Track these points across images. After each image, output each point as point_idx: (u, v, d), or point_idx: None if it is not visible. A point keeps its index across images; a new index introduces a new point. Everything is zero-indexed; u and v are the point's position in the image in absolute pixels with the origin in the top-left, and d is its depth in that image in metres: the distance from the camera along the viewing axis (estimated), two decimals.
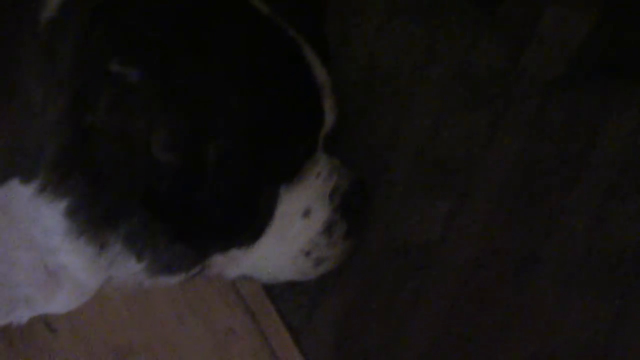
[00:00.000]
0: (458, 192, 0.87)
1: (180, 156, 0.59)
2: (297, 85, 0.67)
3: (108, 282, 0.68)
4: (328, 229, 0.73)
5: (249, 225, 0.68)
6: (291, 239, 0.71)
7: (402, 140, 0.88)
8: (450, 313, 0.85)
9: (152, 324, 0.86)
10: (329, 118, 0.71)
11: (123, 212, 0.61)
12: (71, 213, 0.60)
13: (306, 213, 0.71)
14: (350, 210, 0.74)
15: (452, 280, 0.86)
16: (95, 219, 0.61)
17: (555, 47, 0.87)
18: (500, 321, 0.85)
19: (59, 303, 0.67)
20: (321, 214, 0.72)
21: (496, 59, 0.88)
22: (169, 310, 0.86)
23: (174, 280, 0.69)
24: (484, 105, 0.88)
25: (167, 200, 0.61)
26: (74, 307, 0.70)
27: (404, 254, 0.86)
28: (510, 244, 0.86)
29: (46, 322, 0.84)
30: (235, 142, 0.61)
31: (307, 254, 0.73)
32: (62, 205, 0.60)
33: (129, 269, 0.65)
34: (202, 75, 0.60)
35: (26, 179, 0.59)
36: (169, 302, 0.86)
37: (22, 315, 0.68)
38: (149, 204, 0.61)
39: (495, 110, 0.87)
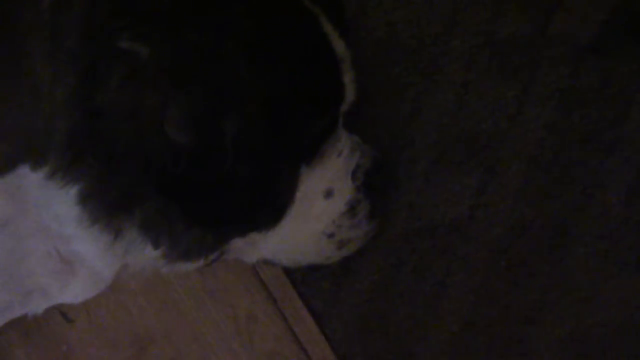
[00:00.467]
0: (485, 167, 0.85)
1: (194, 135, 0.57)
2: (315, 57, 0.65)
3: (124, 270, 0.68)
4: (351, 209, 0.72)
5: (269, 207, 0.67)
6: (313, 220, 0.71)
7: (424, 115, 0.86)
8: (480, 294, 0.83)
9: (171, 312, 0.85)
10: (349, 93, 0.70)
11: (138, 196, 0.60)
12: (84, 199, 0.60)
13: (328, 193, 0.71)
14: (373, 189, 0.73)
15: (481, 260, 0.84)
16: (109, 204, 0.60)
17: (585, 11, 0.85)
18: (533, 300, 0.83)
19: (74, 292, 0.67)
20: (344, 193, 0.71)
21: (521, 26, 0.86)
22: (187, 297, 0.85)
23: (192, 266, 0.68)
24: (511, 75, 0.85)
25: (183, 183, 0.59)
26: (90, 296, 0.70)
27: (430, 234, 0.84)
28: (541, 219, 0.84)
29: (62, 312, 0.83)
30: (252, 118, 0.60)
31: (330, 235, 0.72)
32: (73, 190, 0.59)
33: (145, 256, 0.65)
34: (213, 48, 0.58)
35: (36, 164, 0.58)
36: (187, 289, 0.85)
37: (37, 306, 0.68)
38: (164, 188, 0.60)
39: (522, 80, 0.85)
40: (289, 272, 0.84)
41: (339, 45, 0.68)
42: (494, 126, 0.85)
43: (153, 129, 0.57)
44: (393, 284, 0.84)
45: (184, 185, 0.59)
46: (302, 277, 0.84)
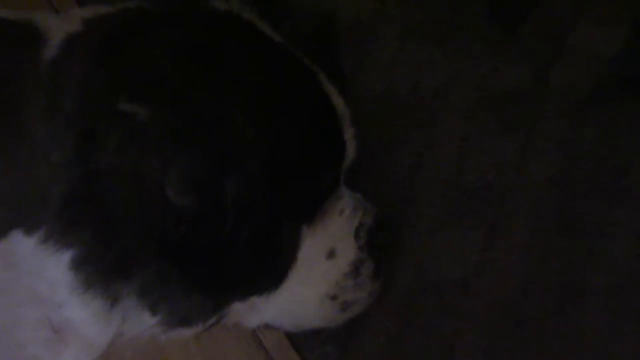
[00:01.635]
0: (490, 222, 0.85)
1: (196, 196, 0.57)
2: (317, 115, 0.66)
3: (119, 337, 0.66)
4: (355, 269, 0.71)
5: (270, 269, 0.67)
6: (316, 282, 0.70)
7: (426, 170, 0.87)
8: (489, 354, 0.82)
9: None
10: (350, 150, 0.70)
11: (137, 261, 0.59)
12: (78, 264, 0.59)
13: (331, 253, 0.70)
14: (377, 247, 0.73)
15: (489, 318, 0.83)
16: (105, 270, 0.59)
17: (584, 64, 0.86)
18: (547, 358, 0.82)
19: None
20: (347, 253, 0.71)
21: (520, 79, 0.87)
22: None
23: (190, 332, 0.67)
24: (512, 128, 0.86)
25: (184, 247, 0.59)
26: None
27: (436, 292, 0.84)
28: (548, 275, 0.84)
29: None
30: (253, 177, 0.60)
31: (334, 297, 0.71)
32: (67, 255, 0.58)
33: (142, 324, 0.64)
34: (214, 108, 0.58)
35: (30, 228, 0.57)
36: (184, 356, 0.84)
37: None
38: (165, 252, 0.59)
39: (523, 133, 0.86)
40: (291, 336, 0.83)
41: (339, 103, 0.69)
42: (497, 179, 0.85)
43: (154, 192, 0.56)
44: (400, 345, 0.83)
45: (184, 249, 0.59)
46: (305, 341, 0.83)
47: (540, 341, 0.82)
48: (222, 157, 0.58)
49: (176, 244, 0.58)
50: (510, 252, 0.84)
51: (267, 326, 0.74)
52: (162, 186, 0.56)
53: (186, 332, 0.67)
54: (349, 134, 0.69)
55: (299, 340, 0.83)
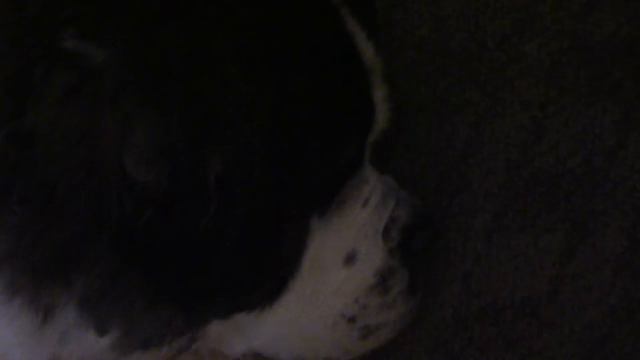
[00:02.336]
0: (573, 223, 0.85)
1: (166, 170, 0.57)
2: (335, 65, 0.66)
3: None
4: (382, 281, 0.72)
5: (265, 276, 0.67)
6: (327, 297, 0.71)
7: (486, 148, 0.86)
8: None
9: None
10: (380, 116, 0.71)
11: (79, 259, 0.60)
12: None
13: (350, 258, 0.71)
14: (414, 253, 0.73)
15: (568, 356, 0.83)
16: (35, 270, 0.60)
17: None
18: None
19: None
20: (372, 259, 0.72)
21: (621, 25, 0.87)
22: None
23: (150, 357, 0.68)
24: (608, 93, 0.86)
25: (147, 240, 0.59)
26: None
27: (493, 318, 0.84)
28: None
29: None
30: (246, 150, 0.60)
31: (351, 319, 0.72)
32: None
33: (86, 346, 0.65)
34: (194, 50, 0.58)
35: None
36: None
37: None
38: (119, 247, 0.59)
39: (624, 100, 0.86)
40: None
41: (366, 50, 0.69)
42: (584, 164, 0.85)
43: (107, 162, 0.56)
44: None
45: (146, 243, 0.59)
46: None
47: None
48: (204, 119, 0.58)
49: (135, 235, 0.58)
50: (600, 267, 0.84)
51: (257, 356, 0.75)
52: (118, 154, 0.56)
53: (145, 357, 0.68)
54: (379, 93, 0.70)
55: None
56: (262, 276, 0.66)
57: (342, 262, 0.70)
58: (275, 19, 0.63)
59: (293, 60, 0.63)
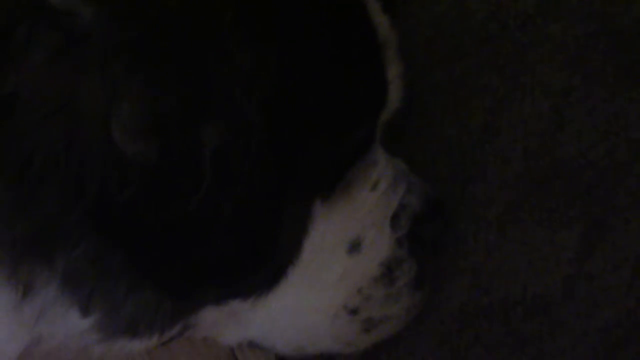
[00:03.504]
0: (593, 219, 0.82)
1: (155, 144, 0.54)
2: (346, 37, 0.63)
3: (37, 343, 0.67)
4: (388, 272, 0.70)
5: (262, 261, 0.65)
6: (329, 286, 0.69)
7: (503, 134, 0.83)
8: None
9: None
10: (394, 95, 0.69)
11: (62, 234, 0.58)
12: None
13: (355, 246, 0.69)
14: (423, 243, 0.72)
15: (582, 356, 0.80)
16: (15, 244, 0.58)
17: None
18: None
19: None
20: (378, 248, 0.70)
21: None
22: None
23: (139, 345, 0.67)
24: (636, 81, 0.83)
25: (134, 218, 0.57)
26: None
27: (503, 316, 0.82)
28: None
29: None
30: (246, 125, 0.57)
31: (354, 311, 0.70)
32: None
33: (68, 327, 0.64)
34: (192, 13, 0.56)
35: None
36: None
37: None
38: (103, 224, 0.57)
39: None
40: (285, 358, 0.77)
41: (381, 23, 0.67)
42: (607, 156, 0.82)
43: (92, 132, 0.54)
44: None
45: (133, 222, 0.57)
46: None
47: None
48: (199, 90, 0.55)
49: (121, 212, 0.56)
50: (620, 265, 0.81)
51: (252, 345, 0.73)
52: (104, 124, 0.53)
53: (134, 345, 0.66)
54: (393, 70, 0.68)
55: None
56: (258, 263, 0.64)
57: (346, 250, 0.68)
58: None
59: (299, 30, 0.60)
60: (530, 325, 0.81)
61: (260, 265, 0.64)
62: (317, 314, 0.69)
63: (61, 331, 0.63)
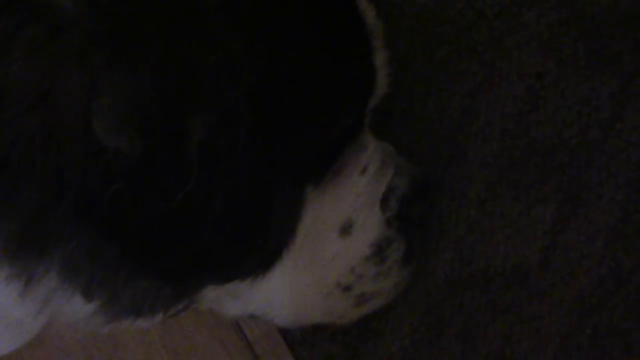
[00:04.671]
0: (566, 194, 0.76)
1: (138, 138, 0.46)
2: (335, 22, 0.55)
3: (55, 319, 0.62)
4: (378, 251, 0.63)
5: (256, 247, 0.58)
6: (322, 267, 0.62)
7: (482, 117, 0.77)
8: None
9: None
10: (382, 81, 0.61)
11: (53, 230, 0.49)
12: None
13: (346, 228, 0.61)
14: (411, 223, 0.65)
15: (557, 325, 0.75)
16: (10, 239, 0.49)
17: None
18: None
19: None
20: (369, 229, 0.62)
21: None
22: (143, 358, 0.77)
23: (146, 322, 0.61)
24: (606, 65, 0.76)
25: (122, 213, 0.48)
26: (11, 349, 0.68)
27: (484, 286, 0.76)
28: None
29: None
30: (234, 114, 0.48)
31: (347, 289, 0.63)
32: None
33: (76, 310, 0.56)
34: (177, 1, 0.46)
35: None
36: (144, 347, 0.78)
37: None
38: (93, 218, 0.48)
39: (622, 72, 0.76)
40: (285, 330, 0.76)
41: (368, 12, 0.59)
42: (580, 136, 0.76)
43: (71, 126, 0.45)
44: (431, 354, 0.75)
45: (122, 216, 0.48)
46: (302, 336, 0.75)
47: (622, 357, 0.73)
48: (184, 79, 0.47)
49: (109, 207, 0.47)
50: (592, 237, 0.75)
51: (254, 317, 0.67)
52: (84, 117, 0.44)
53: (140, 323, 0.60)
54: (380, 58, 0.60)
55: (296, 336, 0.75)
56: (252, 249, 0.56)
57: (338, 232, 0.61)
58: None
59: (287, 16, 0.51)
60: (509, 294, 0.75)
61: (254, 251, 0.57)
62: (312, 292, 0.63)
63: (68, 314, 0.56)
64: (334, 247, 0.61)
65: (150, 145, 0.46)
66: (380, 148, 0.64)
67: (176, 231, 0.50)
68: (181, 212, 0.49)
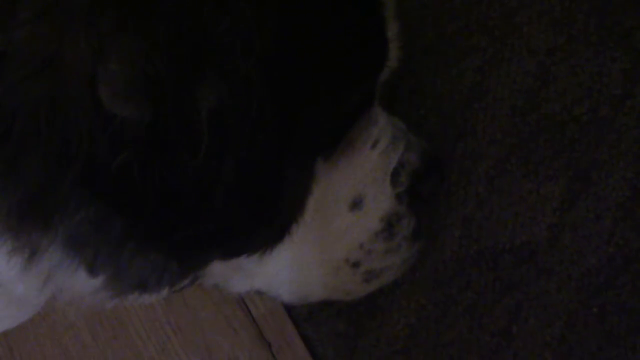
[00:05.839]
0: (575, 171, 0.75)
1: (146, 106, 0.43)
2: None
3: (59, 295, 0.60)
4: (388, 227, 0.61)
5: (264, 221, 0.55)
6: (331, 243, 0.60)
7: (491, 93, 0.75)
8: (560, 350, 0.73)
9: (123, 351, 0.77)
10: (393, 54, 0.58)
11: (59, 202, 0.47)
12: None
13: (356, 203, 0.59)
14: (421, 199, 0.62)
15: (564, 303, 0.74)
16: (13, 212, 0.47)
17: None
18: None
19: None
20: (379, 204, 0.60)
21: None
22: (147, 333, 0.77)
23: (151, 298, 0.59)
24: (618, 41, 0.75)
25: (130, 184, 0.45)
26: (15, 324, 0.68)
27: (492, 263, 0.75)
28: None
29: None
30: (245, 83, 0.45)
31: (355, 265, 0.61)
32: None
33: (80, 285, 0.55)
34: None
35: None
36: (147, 323, 0.77)
37: None
38: (100, 190, 0.46)
39: (634, 49, 0.75)
40: (290, 307, 0.75)
41: None
42: (590, 113, 0.74)
43: (77, 93, 0.42)
44: (437, 331, 0.74)
45: (130, 187, 0.45)
46: (308, 313, 0.74)
47: (631, 338, 0.73)
48: (196, 45, 0.44)
49: (116, 178, 0.44)
50: (601, 216, 0.74)
51: (260, 293, 0.65)
52: (90, 84, 0.42)
53: (145, 298, 0.58)
54: (391, 30, 0.57)
55: (302, 312, 0.75)
56: (261, 223, 0.54)
57: (348, 208, 0.58)
58: None
59: None
60: (517, 271, 0.74)
61: (264, 226, 0.54)
62: (320, 268, 0.61)
63: (74, 288, 0.54)
64: (343, 221, 0.59)
65: (159, 113, 0.43)
66: (392, 123, 0.61)
67: (186, 203, 0.48)
68: (190, 183, 0.46)
